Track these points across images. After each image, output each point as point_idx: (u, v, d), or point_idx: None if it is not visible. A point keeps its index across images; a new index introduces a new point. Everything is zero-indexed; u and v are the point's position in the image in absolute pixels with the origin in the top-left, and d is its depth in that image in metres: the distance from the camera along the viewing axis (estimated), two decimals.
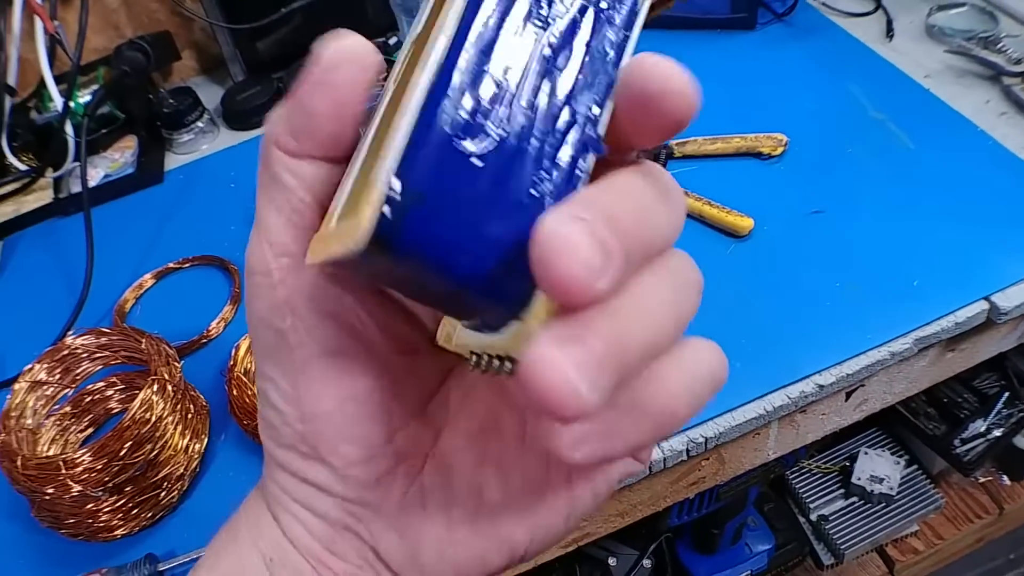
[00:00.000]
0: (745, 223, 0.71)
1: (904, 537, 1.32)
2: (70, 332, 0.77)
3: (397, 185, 0.17)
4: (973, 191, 0.71)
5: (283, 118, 0.21)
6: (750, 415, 0.60)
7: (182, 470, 0.62)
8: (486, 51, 0.18)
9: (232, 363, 0.65)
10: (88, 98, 0.93)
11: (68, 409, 0.68)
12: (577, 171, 0.18)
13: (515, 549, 0.24)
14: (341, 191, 0.21)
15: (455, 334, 0.23)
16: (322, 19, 0.97)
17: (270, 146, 0.21)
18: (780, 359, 0.63)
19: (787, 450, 0.70)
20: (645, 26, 0.20)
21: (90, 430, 0.69)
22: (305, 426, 0.23)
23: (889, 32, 0.90)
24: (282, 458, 0.24)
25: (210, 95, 1.03)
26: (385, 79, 0.21)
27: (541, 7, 0.18)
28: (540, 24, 0.18)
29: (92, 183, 0.92)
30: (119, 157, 0.96)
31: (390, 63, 0.99)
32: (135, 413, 0.58)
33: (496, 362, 0.20)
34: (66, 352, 0.67)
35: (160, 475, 0.60)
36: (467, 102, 0.17)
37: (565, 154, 0.18)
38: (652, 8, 0.20)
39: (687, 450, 0.60)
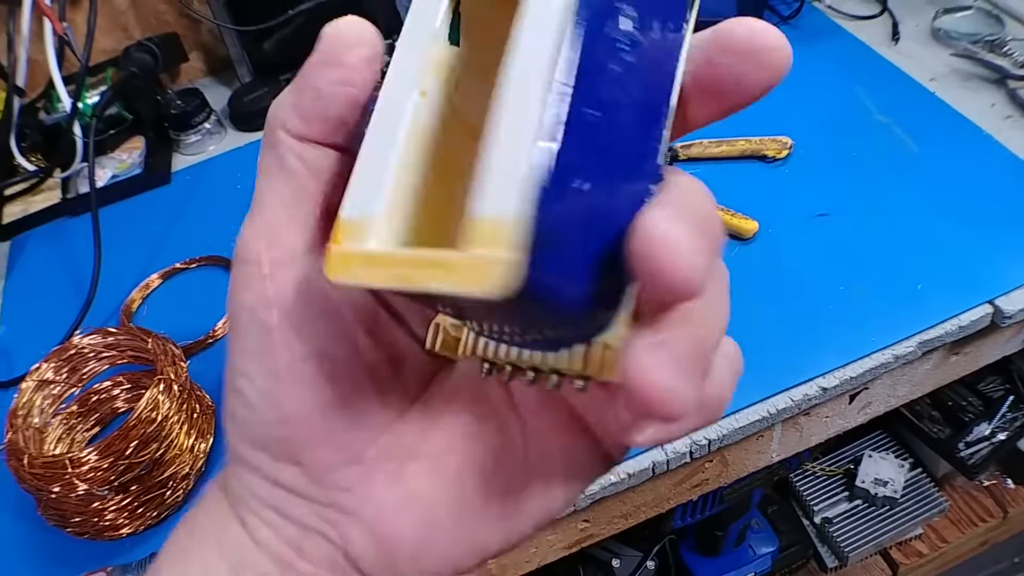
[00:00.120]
0: (750, 226, 0.71)
1: (908, 540, 1.31)
2: (77, 331, 0.77)
3: (525, 227, 0.16)
4: (978, 194, 0.71)
5: (290, 100, 0.21)
6: (753, 417, 0.61)
7: (187, 469, 0.62)
8: (593, 77, 0.17)
9: None
10: (96, 99, 0.94)
11: (75, 408, 0.68)
12: (660, 171, 0.19)
13: (487, 553, 0.24)
14: (367, 196, 0.19)
15: (473, 345, 0.22)
16: (329, 21, 0.98)
17: (275, 129, 0.21)
18: (784, 362, 0.63)
19: (791, 453, 0.70)
20: None
21: (96, 429, 0.70)
22: (281, 429, 0.22)
23: (895, 35, 0.90)
24: (251, 458, 0.23)
25: (217, 96, 1.03)
26: (382, 75, 0.21)
27: (620, 28, 0.18)
28: (626, 45, 0.18)
29: (100, 183, 0.93)
30: (127, 158, 0.97)
31: None
32: (141, 412, 0.58)
33: (553, 377, 0.21)
34: (73, 351, 0.67)
35: (166, 474, 0.61)
36: (582, 135, 0.16)
37: (652, 164, 0.18)
38: None
39: (690, 452, 0.61)
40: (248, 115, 0.99)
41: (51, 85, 0.91)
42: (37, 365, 0.66)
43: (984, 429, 1.19)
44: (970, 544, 1.33)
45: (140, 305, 0.81)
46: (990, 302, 0.64)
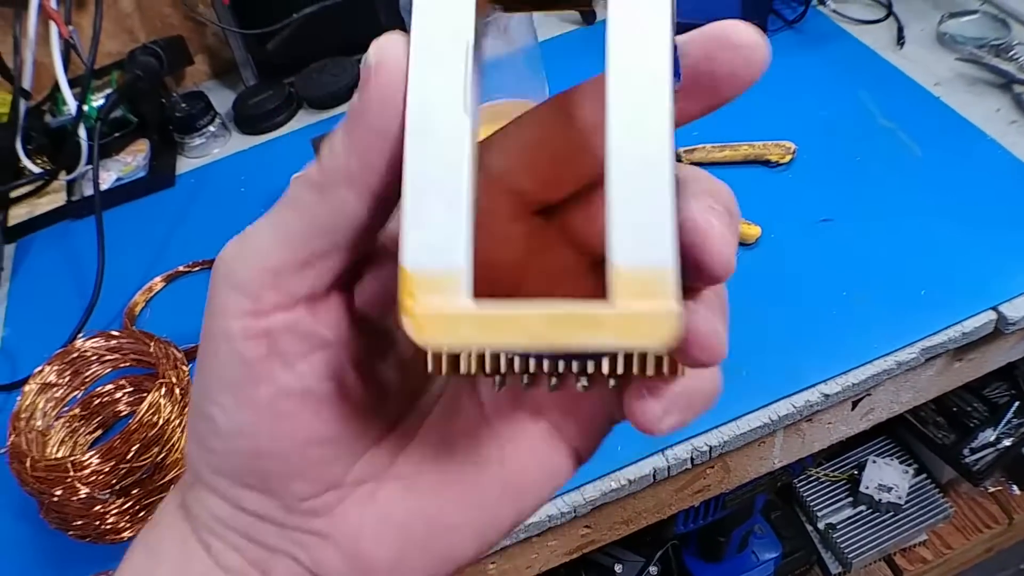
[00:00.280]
0: (752, 231, 0.71)
1: (912, 546, 1.31)
2: (80, 335, 0.77)
3: (677, 275, 0.16)
4: (982, 200, 0.71)
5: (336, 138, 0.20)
6: (755, 424, 0.60)
7: None
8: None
9: None
10: (101, 102, 0.94)
11: (77, 411, 0.68)
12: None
13: (462, 562, 0.24)
14: (442, 241, 0.17)
15: (489, 362, 0.21)
16: (333, 24, 0.98)
17: (321, 160, 0.20)
18: (785, 368, 0.62)
19: (793, 459, 0.70)
20: None
21: (98, 432, 0.70)
22: (255, 462, 0.21)
23: (900, 39, 0.90)
24: (218, 486, 0.22)
25: (222, 99, 1.03)
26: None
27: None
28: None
29: (104, 186, 0.93)
30: (131, 160, 0.97)
31: None
32: (143, 416, 0.59)
33: (583, 379, 0.21)
34: (76, 354, 0.68)
35: (167, 478, 0.61)
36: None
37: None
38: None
39: (691, 458, 0.60)
40: (253, 118, 0.99)
41: (56, 88, 0.91)
42: (40, 368, 0.67)
43: (989, 435, 1.19)
44: (975, 551, 1.33)
45: (143, 308, 0.81)
46: (994, 308, 0.64)
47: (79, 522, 0.60)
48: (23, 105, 0.91)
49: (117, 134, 0.97)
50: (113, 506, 0.60)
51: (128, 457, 0.58)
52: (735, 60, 0.20)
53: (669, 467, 0.60)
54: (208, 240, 0.86)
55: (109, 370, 0.69)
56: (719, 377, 0.22)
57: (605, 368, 0.21)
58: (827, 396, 0.61)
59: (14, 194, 0.96)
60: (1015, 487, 1.34)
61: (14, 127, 0.91)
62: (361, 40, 1.03)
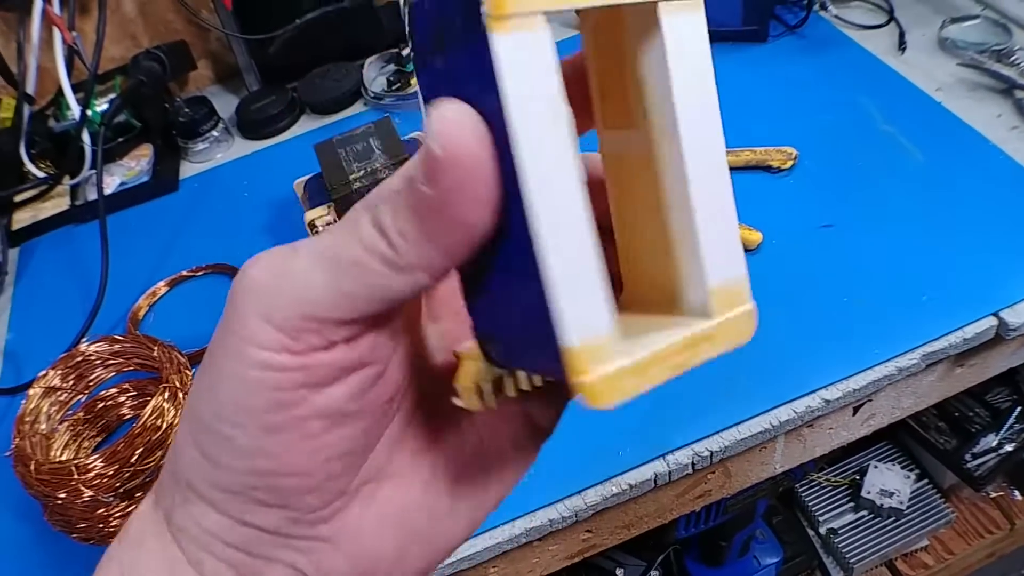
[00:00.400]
0: (754, 237, 0.71)
1: (914, 552, 1.31)
2: (84, 339, 0.77)
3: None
4: (983, 205, 0.71)
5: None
6: (756, 429, 0.60)
7: None
8: None
9: None
10: (105, 107, 0.95)
11: (81, 415, 0.69)
12: None
13: (456, 544, 0.25)
14: (588, 311, 0.18)
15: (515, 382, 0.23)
16: (337, 30, 0.98)
17: (393, 241, 0.19)
18: (786, 373, 0.63)
19: (794, 464, 0.70)
20: None
21: (102, 436, 0.70)
22: (274, 479, 0.21)
23: (901, 45, 0.90)
24: (221, 502, 0.21)
25: (225, 104, 1.04)
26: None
27: None
28: None
29: (108, 191, 0.93)
30: (135, 165, 0.97)
31: (403, 73, 1.00)
32: (146, 420, 0.59)
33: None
34: (80, 359, 0.68)
35: None
36: None
37: None
38: None
39: (692, 463, 0.60)
40: (256, 123, 1.00)
41: (60, 93, 0.91)
42: (44, 372, 0.67)
43: (991, 440, 1.19)
44: (976, 556, 1.32)
45: (147, 312, 0.81)
46: (995, 314, 0.64)
47: (83, 525, 0.60)
48: (27, 110, 0.92)
49: (121, 139, 0.98)
50: (117, 509, 0.60)
51: (132, 460, 0.58)
52: None
53: (670, 472, 0.60)
54: (211, 245, 0.87)
55: (113, 374, 0.69)
56: None
57: None
58: (828, 401, 0.61)
59: (18, 198, 0.96)
60: (1017, 492, 1.33)
61: (18, 132, 0.91)
62: (363, 45, 1.02)
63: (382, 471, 0.24)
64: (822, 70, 0.89)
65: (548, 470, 0.60)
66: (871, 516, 1.30)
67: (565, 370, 0.18)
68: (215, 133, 0.98)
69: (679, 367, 0.19)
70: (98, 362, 0.69)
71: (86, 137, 0.91)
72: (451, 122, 0.18)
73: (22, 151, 0.91)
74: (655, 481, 0.60)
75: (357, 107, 1.01)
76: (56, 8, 0.89)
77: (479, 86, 0.18)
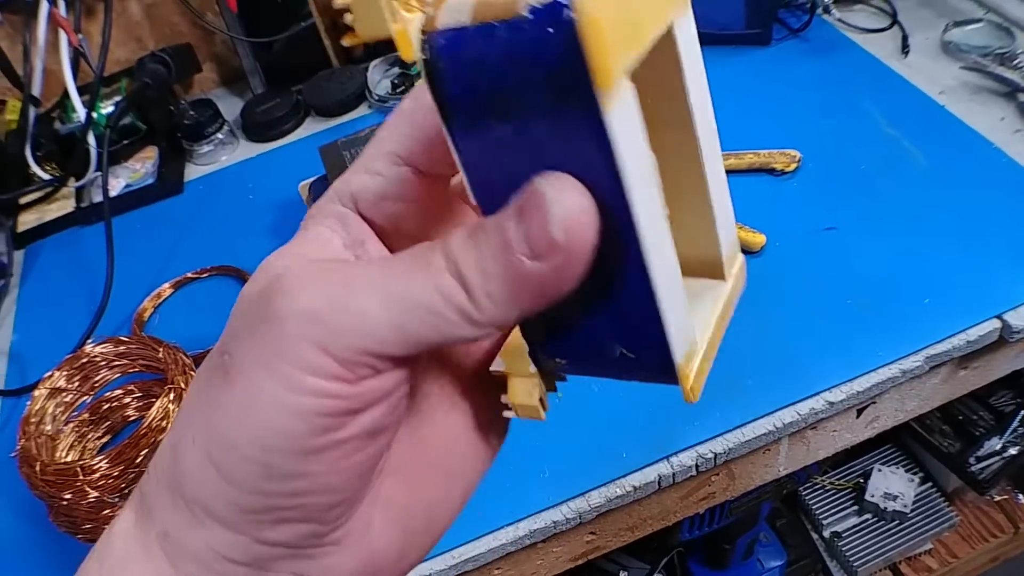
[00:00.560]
0: (757, 239, 0.72)
1: (918, 555, 1.31)
2: (89, 340, 0.78)
3: None
4: (986, 208, 0.71)
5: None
6: (759, 431, 0.61)
7: None
8: None
9: None
10: (110, 109, 0.95)
11: (86, 416, 0.69)
12: None
13: (444, 531, 0.26)
14: (687, 331, 0.22)
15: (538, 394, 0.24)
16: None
17: (479, 301, 0.20)
18: (790, 375, 0.63)
19: (798, 466, 0.70)
20: None
21: (107, 437, 0.70)
22: (306, 498, 0.21)
23: (904, 48, 0.90)
24: (240, 523, 0.21)
25: (230, 107, 1.04)
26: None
27: None
28: None
29: (113, 193, 0.94)
30: (140, 167, 0.98)
31: (407, 76, 1.00)
32: (152, 421, 0.59)
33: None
34: (85, 360, 0.68)
35: None
36: None
37: None
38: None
39: (696, 465, 0.60)
40: (260, 126, 1.00)
41: (66, 95, 0.92)
42: (50, 373, 0.67)
43: (995, 443, 1.18)
44: (980, 560, 1.32)
45: (152, 314, 0.81)
46: (999, 316, 0.64)
47: (88, 526, 0.60)
48: (33, 112, 0.92)
49: (126, 141, 0.98)
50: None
51: (137, 462, 0.58)
52: None
53: (674, 474, 0.60)
54: (216, 247, 0.87)
55: (118, 375, 0.70)
56: None
57: None
58: (832, 404, 0.61)
59: (23, 200, 0.96)
60: (1021, 496, 1.33)
61: (24, 134, 0.92)
62: (367, 48, 1.02)
63: (383, 469, 0.24)
64: (825, 73, 0.89)
65: (552, 472, 0.61)
66: (875, 519, 1.30)
67: (677, 381, 0.22)
68: (220, 135, 0.99)
69: (720, 337, 0.23)
70: (103, 363, 0.69)
71: (91, 139, 0.91)
72: (578, 213, 0.19)
73: (28, 153, 0.92)
74: (659, 483, 0.61)
75: (362, 110, 1.01)
76: (62, 10, 0.90)
77: (572, 151, 0.19)
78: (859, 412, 0.67)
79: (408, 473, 0.24)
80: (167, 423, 0.60)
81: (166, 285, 0.83)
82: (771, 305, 0.68)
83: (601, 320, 0.21)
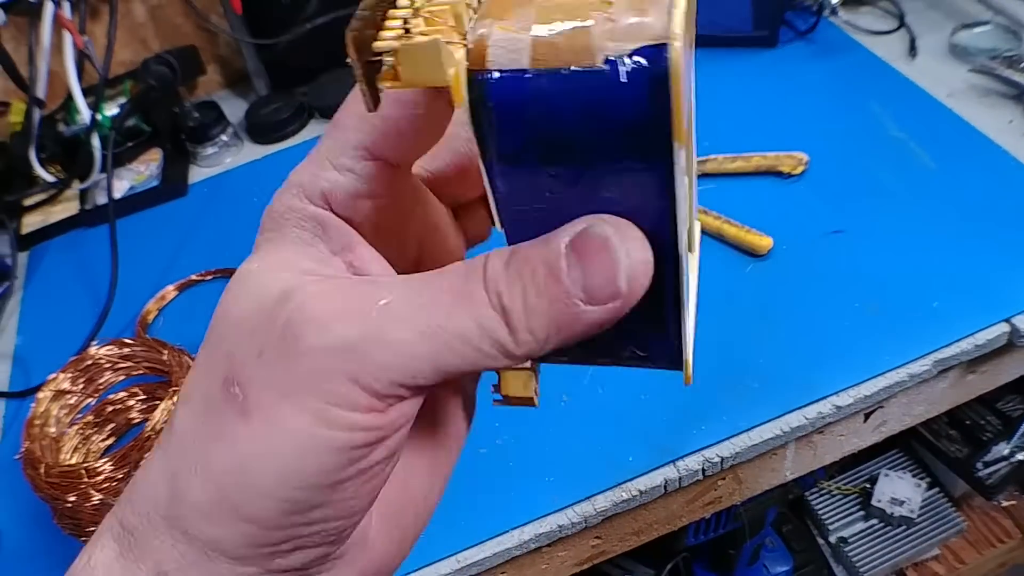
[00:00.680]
0: (764, 242, 0.71)
1: (925, 561, 1.30)
2: (93, 342, 0.78)
3: None
4: (995, 211, 0.71)
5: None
6: (766, 435, 0.60)
7: None
8: None
9: None
10: (115, 111, 0.95)
11: (90, 418, 0.69)
12: None
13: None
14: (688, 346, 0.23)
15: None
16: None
17: (519, 336, 0.20)
18: (797, 379, 0.62)
19: (805, 471, 0.70)
20: None
21: (111, 440, 0.70)
22: (327, 524, 0.20)
23: (912, 51, 0.90)
24: (251, 557, 0.20)
25: (234, 109, 1.04)
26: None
27: None
28: None
29: (117, 195, 0.93)
30: (144, 170, 0.98)
31: None
32: (156, 423, 0.59)
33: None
34: (89, 362, 0.68)
35: None
36: None
37: None
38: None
39: (703, 469, 0.60)
40: (265, 128, 1.00)
41: (70, 97, 0.92)
42: (54, 375, 0.67)
43: (1003, 448, 1.18)
44: (988, 565, 1.31)
45: (156, 316, 0.81)
46: (1007, 320, 0.63)
47: (92, 528, 0.60)
48: (37, 114, 0.92)
49: (130, 143, 0.98)
50: None
51: (141, 464, 0.58)
52: None
53: (680, 478, 0.60)
54: (220, 249, 0.87)
55: (122, 378, 0.70)
56: None
57: None
58: (839, 408, 0.61)
59: (28, 202, 0.96)
60: None
61: (28, 136, 0.91)
62: None
63: None
64: (832, 76, 0.89)
65: (558, 476, 0.60)
66: (882, 525, 1.29)
67: (680, 369, 0.23)
68: (224, 138, 0.99)
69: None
70: (107, 366, 0.69)
71: (96, 141, 0.91)
72: (643, 264, 0.19)
73: (32, 155, 0.92)
74: (665, 487, 0.60)
75: None
76: (67, 12, 0.89)
77: (630, 195, 0.19)
78: (866, 416, 0.66)
79: (399, 472, 0.24)
80: None
81: (170, 287, 0.83)
82: (778, 308, 0.67)
83: (620, 331, 0.21)
